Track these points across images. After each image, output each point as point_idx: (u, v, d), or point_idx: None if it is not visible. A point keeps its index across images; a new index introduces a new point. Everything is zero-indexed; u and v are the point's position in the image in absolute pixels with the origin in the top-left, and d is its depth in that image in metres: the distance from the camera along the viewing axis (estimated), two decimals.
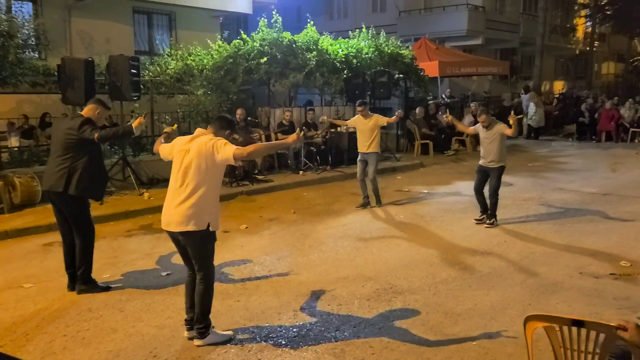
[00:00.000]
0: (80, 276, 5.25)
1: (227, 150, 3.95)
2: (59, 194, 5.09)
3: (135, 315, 4.79)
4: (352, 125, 9.31)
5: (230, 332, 4.37)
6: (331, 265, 6.07)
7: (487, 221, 7.71)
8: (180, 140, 4.22)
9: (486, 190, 7.82)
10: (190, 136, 4.19)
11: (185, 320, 4.35)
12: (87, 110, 5.27)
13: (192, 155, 4.03)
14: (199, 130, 4.23)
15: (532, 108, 18.00)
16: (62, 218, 5.28)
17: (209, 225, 4.07)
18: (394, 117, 9.18)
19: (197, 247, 4.13)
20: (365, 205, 8.92)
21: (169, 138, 4.65)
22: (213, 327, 4.32)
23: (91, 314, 4.81)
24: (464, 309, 4.84)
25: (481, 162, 7.80)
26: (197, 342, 4.21)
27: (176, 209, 4.05)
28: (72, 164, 5.05)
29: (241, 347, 4.19)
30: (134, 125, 5.17)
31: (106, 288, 5.35)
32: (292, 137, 4.17)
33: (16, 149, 10.15)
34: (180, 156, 4.10)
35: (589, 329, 2.57)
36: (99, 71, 9.99)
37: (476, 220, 7.87)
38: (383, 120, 8.84)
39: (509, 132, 7.51)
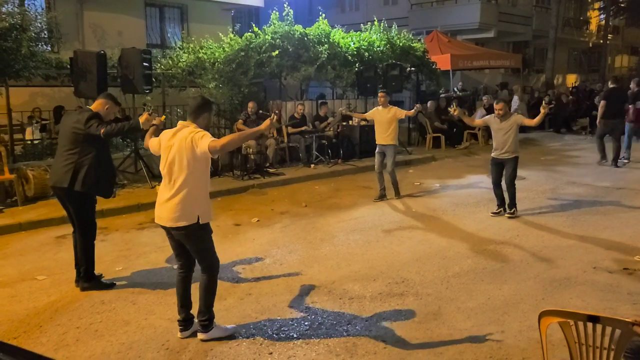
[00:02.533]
0: (83, 274, 5.20)
1: (203, 144, 3.86)
2: (65, 190, 5.02)
3: (148, 308, 4.81)
4: (370, 117, 9.32)
5: (234, 326, 4.34)
6: (343, 259, 6.06)
7: (508, 211, 7.76)
8: (165, 135, 4.14)
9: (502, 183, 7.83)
10: (173, 130, 4.10)
11: (178, 320, 4.26)
12: (96, 105, 5.21)
13: (175, 151, 3.98)
14: (180, 123, 4.12)
15: (515, 102, 17.56)
16: (70, 213, 5.24)
17: (198, 219, 4.02)
18: (412, 111, 9.19)
19: (192, 241, 4.10)
20: (382, 197, 8.94)
21: (157, 130, 4.59)
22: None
23: (104, 307, 4.84)
24: (477, 304, 4.82)
25: (494, 154, 7.78)
26: (200, 335, 4.17)
27: (165, 204, 4.02)
28: (79, 160, 4.98)
29: (253, 340, 4.19)
30: (140, 120, 5.05)
31: (110, 285, 5.28)
32: (265, 124, 4.14)
33: (29, 142, 10.23)
34: (165, 153, 4.06)
35: (604, 324, 2.53)
36: (111, 64, 10.02)
37: (493, 213, 7.87)
38: (401, 113, 8.88)
39: (529, 122, 7.56)
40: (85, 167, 4.97)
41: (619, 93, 12.13)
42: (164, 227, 4.15)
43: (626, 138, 12.22)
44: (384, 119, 8.74)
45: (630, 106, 12.18)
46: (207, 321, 4.16)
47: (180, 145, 3.96)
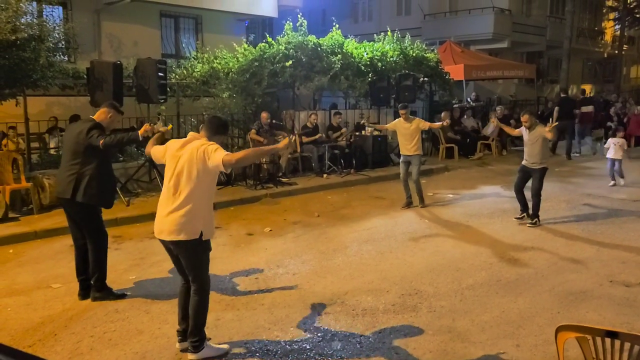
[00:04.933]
0: (94, 283, 5.17)
1: (217, 157, 3.79)
2: (68, 201, 5.00)
3: (161, 317, 4.83)
4: (392, 129, 9.49)
5: (226, 346, 4.23)
6: (356, 270, 6.04)
7: (530, 221, 7.87)
8: (173, 145, 4.06)
9: (527, 192, 7.99)
10: (183, 140, 4.03)
11: (178, 331, 4.21)
12: (99, 114, 5.15)
13: (184, 162, 3.89)
14: (191, 135, 4.08)
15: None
16: (74, 224, 5.21)
17: (201, 234, 3.94)
18: (438, 124, 9.24)
19: (189, 256, 3.99)
20: (409, 205, 9.08)
21: (162, 138, 4.55)
22: (209, 338, 4.23)
23: (117, 315, 4.86)
24: (491, 317, 4.77)
25: (524, 162, 8.03)
26: (190, 356, 4.06)
27: (168, 217, 3.92)
28: (81, 170, 4.95)
29: (266, 351, 4.18)
30: (140, 132, 5.03)
31: (121, 295, 5.26)
32: (283, 143, 4.05)
33: (45, 150, 10.35)
34: (172, 163, 3.96)
35: (623, 340, 2.50)
36: (126, 74, 10.12)
37: (516, 218, 8.04)
38: (425, 124, 9.09)
39: (549, 135, 7.76)
40: (87, 178, 4.95)
41: (568, 101, 15.86)
42: (163, 243, 4.06)
43: (576, 136, 15.55)
44: (408, 132, 8.90)
45: (576, 111, 15.63)
46: (198, 342, 4.05)
47: (190, 156, 3.88)
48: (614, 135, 11.08)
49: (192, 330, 4.06)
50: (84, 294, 5.24)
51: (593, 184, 11.12)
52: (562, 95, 16.42)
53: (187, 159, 3.90)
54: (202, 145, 3.89)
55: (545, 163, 7.86)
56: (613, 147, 10.73)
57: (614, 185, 10.70)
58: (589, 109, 16.44)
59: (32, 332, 4.54)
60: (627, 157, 10.83)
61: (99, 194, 5.03)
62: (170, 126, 5.11)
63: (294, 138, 4.14)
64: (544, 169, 7.83)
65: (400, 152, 9.16)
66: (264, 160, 10.57)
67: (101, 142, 4.88)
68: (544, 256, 6.47)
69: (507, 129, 9.01)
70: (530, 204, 7.96)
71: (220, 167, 3.83)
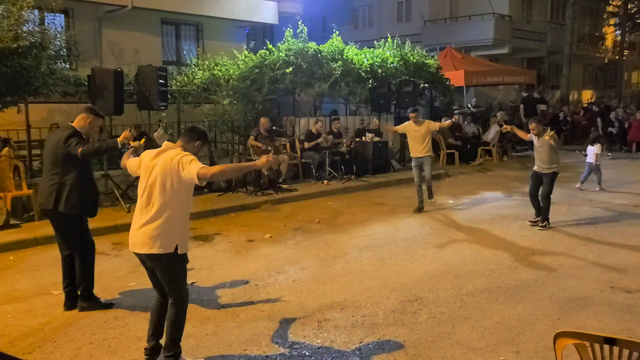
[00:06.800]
0: (81, 293, 5.11)
1: (192, 169, 3.65)
2: (51, 211, 4.94)
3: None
4: (402, 131, 9.60)
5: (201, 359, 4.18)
6: (355, 276, 6.04)
7: (540, 224, 8.05)
8: (147, 155, 3.92)
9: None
10: (157, 150, 3.90)
11: (145, 349, 4.05)
12: (78, 120, 4.99)
13: (157, 172, 3.77)
14: (166, 144, 3.94)
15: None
16: (60, 235, 5.14)
17: (176, 248, 3.82)
18: (447, 122, 9.29)
19: (164, 270, 3.87)
20: (420, 209, 9.17)
21: (135, 152, 4.45)
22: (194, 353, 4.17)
23: (117, 322, 4.86)
24: (491, 323, 4.76)
25: (535, 167, 8.20)
26: None
27: (141, 229, 3.81)
28: (61, 180, 4.85)
29: (265, 358, 4.18)
30: (118, 140, 4.93)
31: (109, 305, 5.19)
32: (261, 160, 3.87)
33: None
34: (146, 173, 3.83)
35: (621, 347, 2.49)
36: (127, 81, 10.17)
37: (531, 222, 8.22)
38: (435, 125, 9.22)
39: (552, 142, 7.98)
40: (68, 188, 4.85)
41: (531, 99, 18.66)
42: (137, 255, 3.95)
43: None
44: (419, 135, 9.05)
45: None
46: (173, 357, 3.93)
47: (164, 166, 3.76)
48: (592, 144, 11.10)
49: (167, 344, 3.95)
50: (69, 304, 5.14)
51: (595, 189, 11.10)
52: (525, 94, 19.06)
53: (160, 169, 3.78)
54: (177, 156, 3.76)
55: (555, 168, 7.98)
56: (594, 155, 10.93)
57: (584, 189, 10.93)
58: (543, 107, 18.68)
59: (32, 338, 4.54)
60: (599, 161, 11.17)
61: (80, 203, 4.93)
62: (143, 140, 4.95)
63: (272, 156, 3.94)
64: (554, 173, 7.98)
65: (412, 156, 9.28)
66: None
67: (79, 150, 4.77)
68: (544, 262, 6.46)
69: (521, 134, 8.96)
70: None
71: (194, 180, 3.68)
